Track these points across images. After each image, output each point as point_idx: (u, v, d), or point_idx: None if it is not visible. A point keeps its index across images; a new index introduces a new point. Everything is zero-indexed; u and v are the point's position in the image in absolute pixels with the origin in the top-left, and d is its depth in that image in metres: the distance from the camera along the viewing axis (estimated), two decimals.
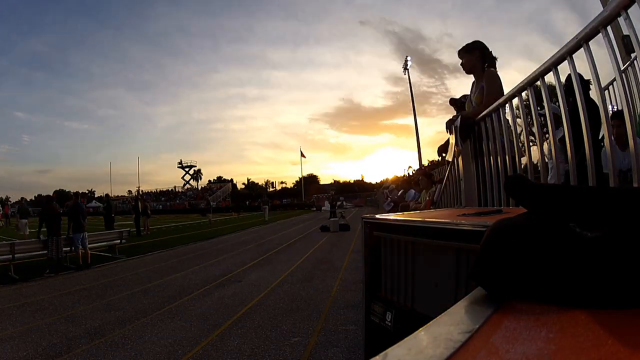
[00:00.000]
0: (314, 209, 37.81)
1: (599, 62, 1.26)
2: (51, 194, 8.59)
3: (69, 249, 6.40)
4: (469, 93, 2.84)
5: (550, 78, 1.51)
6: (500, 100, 1.98)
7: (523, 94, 1.76)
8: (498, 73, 2.51)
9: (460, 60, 2.67)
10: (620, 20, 1.10)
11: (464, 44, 2.64)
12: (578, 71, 1.36)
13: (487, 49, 2.59)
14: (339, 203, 15.89)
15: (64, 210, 7.67)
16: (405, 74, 34.27)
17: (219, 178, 72.35)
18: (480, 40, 2.62)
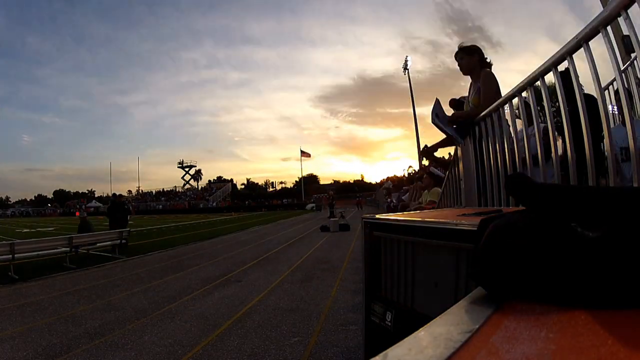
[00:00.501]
0: (314, 208, 38.06)
1: (599, 62, 1.26)
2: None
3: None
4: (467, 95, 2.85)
5: (550, 78, 1.51)
6: (500, 100, 1.98)
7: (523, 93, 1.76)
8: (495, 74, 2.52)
9: (458, 62, 2.70)
10: (620, 20, 1.10)
11: (463, 46, 2.67)
12: (578, 71, 1.36)
13: (484, 53, 2.64)
14: (339, 211, 16.12)
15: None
16: (405, 74, 34.18)
17: (219, 178, 72.75)
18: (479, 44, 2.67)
